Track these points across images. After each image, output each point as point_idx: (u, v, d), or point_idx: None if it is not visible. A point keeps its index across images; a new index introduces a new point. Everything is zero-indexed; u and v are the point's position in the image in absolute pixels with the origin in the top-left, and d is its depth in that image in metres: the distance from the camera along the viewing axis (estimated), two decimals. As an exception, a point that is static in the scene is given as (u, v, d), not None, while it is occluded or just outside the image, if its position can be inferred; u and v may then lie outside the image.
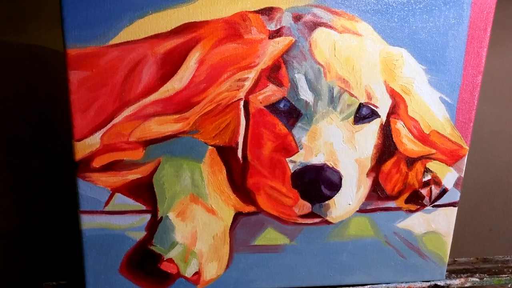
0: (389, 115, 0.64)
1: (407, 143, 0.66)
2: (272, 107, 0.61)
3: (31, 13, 0.80)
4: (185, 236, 0.65)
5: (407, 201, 0.69)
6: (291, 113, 0.61)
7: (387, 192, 0.68)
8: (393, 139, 0.65)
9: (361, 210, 0.68)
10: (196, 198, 0.63)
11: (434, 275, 0.73)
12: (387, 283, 0.72)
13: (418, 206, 0.69)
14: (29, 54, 0.82)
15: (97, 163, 0.60)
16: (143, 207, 0.63)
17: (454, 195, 0.69)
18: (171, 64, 0.58)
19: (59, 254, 0.92)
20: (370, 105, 0.63)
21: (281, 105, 0.61)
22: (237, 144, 0.62)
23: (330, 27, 0.59)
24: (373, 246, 0.70)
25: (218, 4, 0.57)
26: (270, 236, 0.67)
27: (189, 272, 0.67)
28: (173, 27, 0.57)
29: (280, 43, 0.59)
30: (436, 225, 0.70)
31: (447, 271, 0.74)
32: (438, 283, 0.73)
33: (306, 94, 0.61)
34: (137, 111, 0.59)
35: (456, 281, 0.74)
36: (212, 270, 0.67)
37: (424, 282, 0.73)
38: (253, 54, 0.59)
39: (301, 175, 0.63)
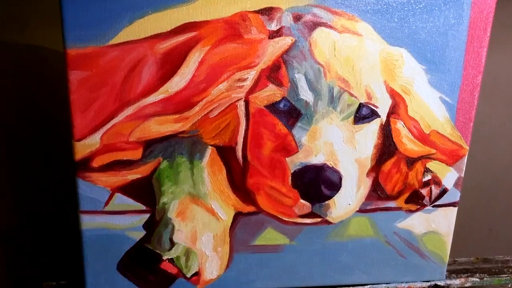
0: (389, 115, 0.64)
1: (407, 143, 0.66)
2: (272, 107, 0.61)
3: (31, 13, 0.80)
4: (185, 236, 0.65)
5: (407, 201, 0.69)
6: (291, 113, 0.61)
7: (387, 192, 0.68)
8: (393, 139, 0.65)
9: (361, 210, 0.68)
10: (196, 198, 0.63)
11: (434, 275, 0.73)
12: (387, 283, 0.72)
13: (418, 206, 0.69)
14: (29, 54, 0.82)
15: (97, 163, 0.60)
16: (143, 207, 0.63)
17: (454, 195, 0.69)
18: (171, 64, 0.58)
19: (59, 254, 0.92)
20: (370, 105, 0.63)
21: (281, 105, 0.61)
22: (237, 144, 0.62)
23: (330, 27, 0.59)
24: (373, 246, 0.70)
25: (218, 4, 0.57)
26: (270, 236, 0.67)
27: (189, 272, 0.67)
28: (173, 27, 0.57)
29: (280, 43, 0.59)
30: (436, 225, 0.70)
31: (447, 271, 0.74)
32: (438, 283, 0.73)
33: (306, 94, 0.61)
34: (137, 111, 0.59)
35: (456, 281, 0.74)
36: (212, 270, 0.67)
37: (424, 282, 0.73)
38: (253, 54, 0.59)
39: (301, 175, 0.63)
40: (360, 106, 0.63)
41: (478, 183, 1.05)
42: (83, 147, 0.59)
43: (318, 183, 0.64)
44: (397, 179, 0.67)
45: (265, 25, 0.58)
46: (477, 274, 0.76)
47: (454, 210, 0.70)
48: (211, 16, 0.57)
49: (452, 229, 0.71)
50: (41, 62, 0.82)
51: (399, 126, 0.65)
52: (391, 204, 0.68)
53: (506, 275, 0.77)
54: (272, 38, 0.59)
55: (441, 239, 0.71)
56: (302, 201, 0.64)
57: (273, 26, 0.58)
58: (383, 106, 0.63)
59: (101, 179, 0.61)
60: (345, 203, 0.66)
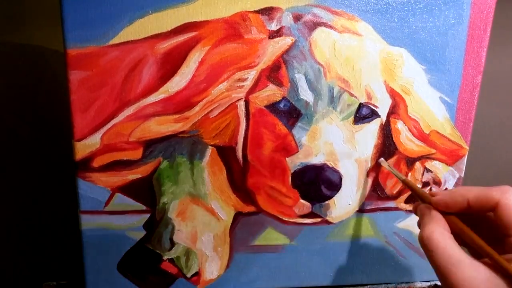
0: (389, 115, 0.64)
1: (407, 143, 0.66)
2: (272, 107, 0.61)
3: (31, 13, 0.80)
4: (185, 236, 0.65)
5: (407, 201, 0.69)
6: (291, 113, 0.61)
7: (387, 192, 0.68)
8: (393, 139, 0.65)
9: (361, 210, 0.68)
10: (196, 198, 0.64)
11: (434, 275, 0.73)
12: (387, 283, 0.72)
13: (418, 206, 0.69)
14: (29, 54, 0.82)
15: (97, 163, 0.60)
16: (143, 207, 0.63)
17: (454, 195, 0.69)
18: (171, 64, 0.58)
19: (59, 254, 0.92)
20: (370, 105, 0.63)
21: (281, 105, 0.61)
22: (237, 144, 0.62)
23: (330, 27, 0.59)
24: (373, 246, 0.70)
25: (218, 4, 0.57)
26: (270, 236, 0.67)
27: (189, 272, 0.67)
28: (173, 27, 0.57)
29: (280, 43, 0.59)
30: (436, 225, 0.70)
31: (447, 271, 0.74)
32: (438, 283, 0.73)
33: (306, 94, 0.61)
34: (137, 111, 0.59)
35: (456, 281, 0.74)
36: (212, 270, 0.67)
37: (424, 282, 0.73)
38: (253, 54, 0.59)
39: (301, 175, 0.63)
40: (360, 106, 0.63)
41: (478, 183, 1.05)
42: (83, 147, 0.59)
43: (318, 183, 0.64)
44: (397, 179, 0.67)
45: (265, 25, 0.58)
46: (477, 274, 0.76)
47: (454, 210, 0.70)
48: (211, 16, 0.57)
49: (452, 229, 0.71)
50: (41, 62, 0.82)
51: (399, 126, 0.65)
52: (391, 204, 0.68)
53: (506, 275, 0.77)
54: (272, 38, 0.59)
55: (441, 239, 0.71)
56: (302, 201, 0.64)
57: (273, 26, 0.58)
58: (383, 106, 0.63)
59: (101, 179, 0.61)
60: (345, 203, 0.66)
